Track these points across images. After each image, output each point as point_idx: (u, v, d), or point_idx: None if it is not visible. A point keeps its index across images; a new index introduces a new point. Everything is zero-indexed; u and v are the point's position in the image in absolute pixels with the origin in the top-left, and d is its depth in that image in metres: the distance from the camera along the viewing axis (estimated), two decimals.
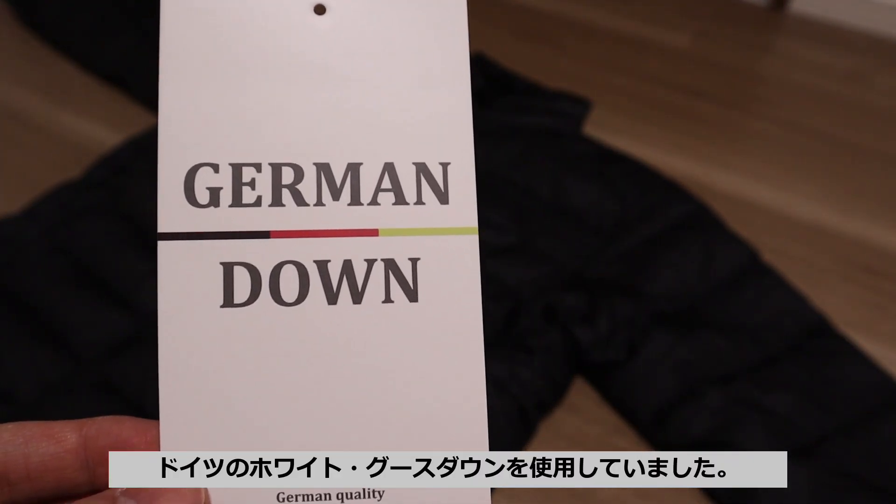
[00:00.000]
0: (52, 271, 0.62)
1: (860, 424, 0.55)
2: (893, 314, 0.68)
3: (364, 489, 0.20)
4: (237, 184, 0.20)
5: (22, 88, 0.91)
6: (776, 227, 0.76)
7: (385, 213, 0.20)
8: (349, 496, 0.20)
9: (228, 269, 0.20)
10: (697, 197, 0.72)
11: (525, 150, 0.74)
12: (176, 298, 0.19)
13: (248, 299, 0.20)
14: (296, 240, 0.20)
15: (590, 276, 0.65)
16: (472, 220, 0.21)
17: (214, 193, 0.20)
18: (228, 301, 0.20)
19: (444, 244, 0.20)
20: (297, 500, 0.20)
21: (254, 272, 0.20)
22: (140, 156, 0.73)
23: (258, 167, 0.20)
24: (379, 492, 0.20)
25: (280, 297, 0.20)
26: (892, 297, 0.70)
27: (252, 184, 0.20)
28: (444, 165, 0.21)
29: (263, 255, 0.20)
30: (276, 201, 0.20)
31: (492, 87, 0.82)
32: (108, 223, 0.66)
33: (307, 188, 0.20)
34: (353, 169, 0.20)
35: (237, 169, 0.20)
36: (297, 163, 0.20)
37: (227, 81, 0.20)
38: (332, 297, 0.20)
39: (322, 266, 0.20)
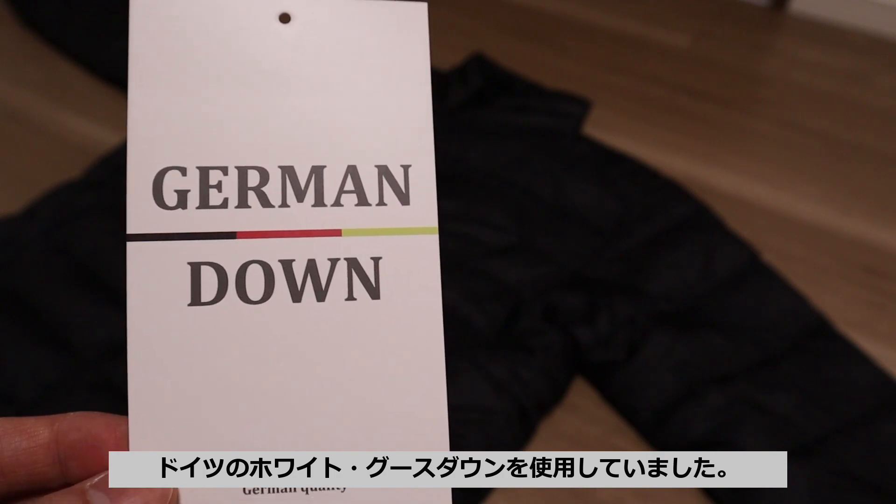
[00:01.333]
0: (52, 271, 0.62)
1: (860, 424, 0.55)
2: (893, 314, 0.68)
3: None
4: (204, 186, 0.20)
5: (22, 88, 0.92)
6: (776, 227, 0.76)
7: (348, 214, 0.21)
8: (314, 488, 0.20)
9: (196, 268, 0.20)
10: (697, 197, 0.72)
11: (525, 150, 0.74)
12: (144, 297, 0.20)
13: (215, 298, 0.20)
14: (261, 240, 0.20)
15: (590, 276, 0.65)
16: (432, 220, 0.21)
17: (182, 196, 0.20)
18: (196, 300, 0.20)
19: (405, 243, 0.21)
20: (263, 493, 0.20)
21: (220, 271, 0.20)
22: None
23: (224, 170, 0.21)
24: (340, 487, 0.20)
25: (246, 295, 0.20)
26: (892, 297, 0.70)
27: (219, 186, 0.20)
28: (406, 168, 0.21)
29: (230, 255, 0.20)
30: (243, 203, 0.21)
31: (492, 87, 0.82)
32: (108, 223, 0.66)
33: (272, 190, 0.21)
34: (317, 171, 0.21)
35: (204, 172, 0.20)
36: (263, 165, 0.21)
37: (194, 87, 0.21)
38: (296, 296, 0.20)
39: (287, 265, 0.20)
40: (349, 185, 0.21)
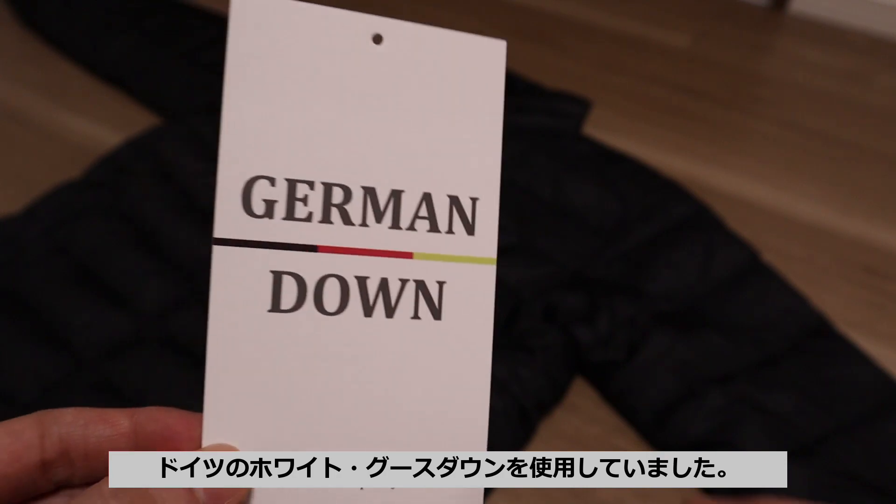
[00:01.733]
0: (52, 271, 0.62)
1: (860, 424, 0.55)
2: (893, 314, 0.68)
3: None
4: (291, 198, 0.21)
5: (22, 88, 0.92)
6: (776, 227, 0.76)
7: (420, 239, 0.22)
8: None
9: (277, 277, 0.21)
10: (697, 197, 0.72)
11: (525, 150, 0.74)
12: (227, 300, 0.21)
13: (294, 306, 0.21)
14: (340, 255, 0.22)
15: (590, 276, 0.65)
16: (492, 251, 0.23)
17: (270, 205, 0.21)
18: (276, 307, 0.21)
19: (467, 271, 0.23)
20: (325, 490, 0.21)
21: (300, 282, 0.21)
22: (140, 156, 0.73)
23: (311, 185, 0.21)
24: (389, 486, 0.22)
25: (322, 306, 0.21)
26: (892, 297, 0.70)
27: (305, 200, 0.21)
28: (474, 200, 0.23)
29: (310, 267, 0.21)
30: (326, 218, 0.22)
31: None
32: (108, 223, 0.66)
33: (354, 209, 0.22)
34: (396, 195, 0.22)
35: (292, 185, 0.21)
36: (347, 184, 0.22)
37: (287, 100, 0.21)
38: (368, 310, 0.22)
39: (362, 281, 0.22)
40: (423, 212, 0.22)
